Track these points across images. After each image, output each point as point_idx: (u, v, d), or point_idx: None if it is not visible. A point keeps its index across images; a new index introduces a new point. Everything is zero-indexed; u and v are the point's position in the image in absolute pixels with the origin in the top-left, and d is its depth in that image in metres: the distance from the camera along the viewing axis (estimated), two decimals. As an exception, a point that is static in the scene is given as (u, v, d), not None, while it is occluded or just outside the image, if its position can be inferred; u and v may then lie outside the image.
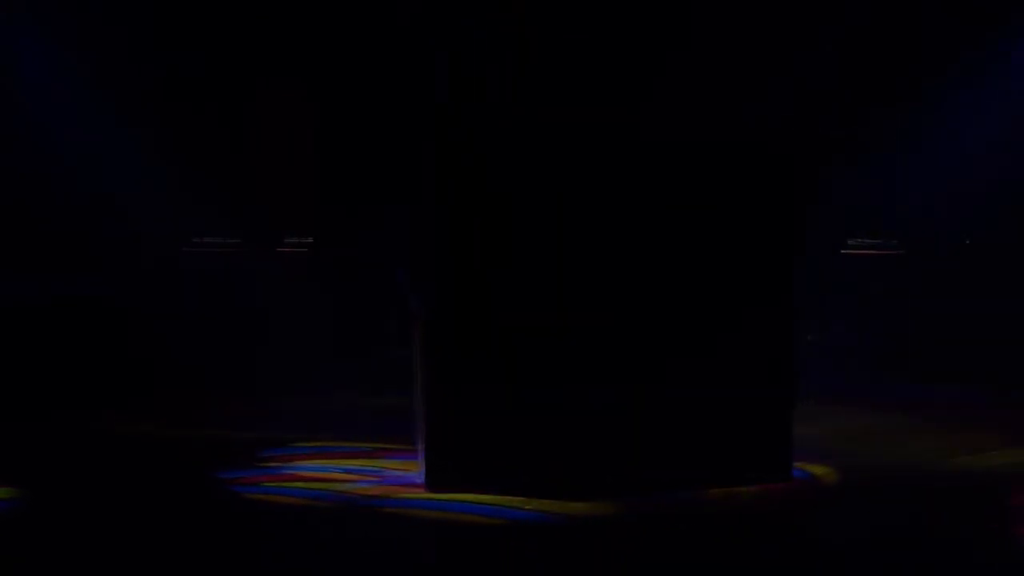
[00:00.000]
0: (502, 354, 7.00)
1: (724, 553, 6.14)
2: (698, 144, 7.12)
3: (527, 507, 6.76)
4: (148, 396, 9.70)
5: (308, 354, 10.56)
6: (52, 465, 7.80)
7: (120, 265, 11.15)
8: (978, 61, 10.91)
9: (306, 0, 11.03)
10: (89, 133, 11.04)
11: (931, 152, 11.05)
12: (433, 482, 7.05)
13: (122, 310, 10.63)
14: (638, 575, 5.93)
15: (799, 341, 7.56)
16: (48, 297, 10.58)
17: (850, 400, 9.80)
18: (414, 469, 7.33)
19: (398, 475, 7.41)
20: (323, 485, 7.31)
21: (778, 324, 7.22)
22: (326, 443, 8.28)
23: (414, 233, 7.28)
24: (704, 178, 7.09)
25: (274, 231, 11.77)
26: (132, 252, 11.29)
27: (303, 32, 11.12)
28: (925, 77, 11.00)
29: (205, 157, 11.41)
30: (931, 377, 10.32)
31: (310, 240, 11.69)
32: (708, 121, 7.20)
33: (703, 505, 6.89)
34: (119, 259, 11.17)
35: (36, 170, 10.99)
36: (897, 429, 8.81)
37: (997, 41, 10.92)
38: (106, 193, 11.04)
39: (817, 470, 7.51)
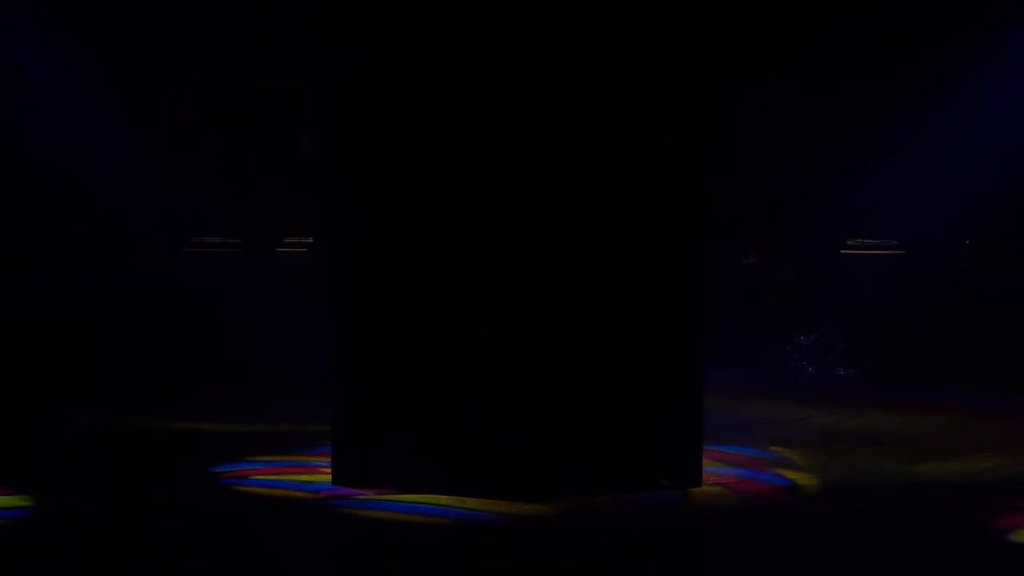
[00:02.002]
0: (408, 345, 6.95)
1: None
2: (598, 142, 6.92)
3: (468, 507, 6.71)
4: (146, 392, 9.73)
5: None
6: (53, 463, 7.81)
7: (120, 265, 11.16)
8: (977, 61, 10.92)
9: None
10: (89, 132, 11.05)
11: (931, 153, 11.05)
12: (340, 479, 7.03)
13: (122, 309, 10.65)
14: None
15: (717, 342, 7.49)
16: (49, 297, 10.59)
17: (847, 401, 9.82)
18: None
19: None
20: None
21: (685, 326, 7.06)
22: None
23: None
24: (606, 175, 6.92)
25: (274, 231, 11.78)
26: (132, 252, 11.30)
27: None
28: (926, 79, 11.02)
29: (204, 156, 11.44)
30: (930, 378, 10.32)
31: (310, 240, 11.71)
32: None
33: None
34: (119, 259, 11.18)
35: (36, 169, 11.00)
36: (893, 431, 8.80)
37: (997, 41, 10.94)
38: (106, 192, 11.04)
39: (798, 477, 7.44)
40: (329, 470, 7.13)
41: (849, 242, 11.41)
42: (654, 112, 7.00)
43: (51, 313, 10.55)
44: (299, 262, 11.69)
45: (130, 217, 11.13)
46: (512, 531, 6.47)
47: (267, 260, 11.62)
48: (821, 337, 10.87)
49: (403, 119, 6.95)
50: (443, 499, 6.77)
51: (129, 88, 11.19)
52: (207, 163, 11.52)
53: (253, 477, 7.45)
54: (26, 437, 8.54)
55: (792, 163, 11.37)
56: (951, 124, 10.97)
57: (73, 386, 9.67)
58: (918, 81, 11.04)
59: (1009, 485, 7.32)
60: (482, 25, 6.83)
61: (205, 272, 11.45)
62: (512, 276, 6.82)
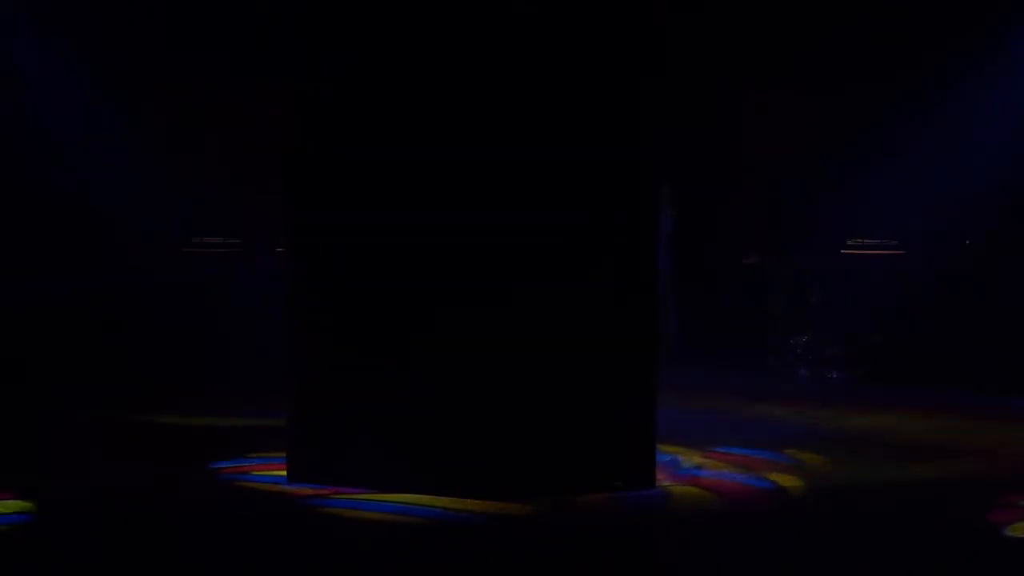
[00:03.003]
0: (355, 344, 7.00)
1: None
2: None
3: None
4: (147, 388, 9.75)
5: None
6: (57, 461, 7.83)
7: (120, 265, 11.16)
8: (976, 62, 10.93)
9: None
10: (89, 132, 11.05)
11: (931, 152, 11.06)
12: (295, 474, 7.07)
13: (123, 309, 10.66)
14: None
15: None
16: (49, 296, 10.60)
17: (844, 403, 9.84)
18: None
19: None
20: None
21: (638, 330, 6.98)
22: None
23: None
24: (559, 181, 6.88)
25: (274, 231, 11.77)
26: (132, 252, 11.29)
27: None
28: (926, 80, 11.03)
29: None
30: (928, 379, 10.32)
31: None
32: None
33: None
34: (119, 259, 11.18)
35: (36, 169, 11.00)
36: (885, 433, 8.77)
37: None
38: (106, 192, 11.04)
39: (784, 480, 7.39)
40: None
41: (849, 242, 11.40)
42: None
43: (51, 313, 10.55)
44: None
45: (130, 217, 11.13)
46: (473, 530, 6.47)
47: (267, 260, 11.61)
48: (816, 340, 10.86)
49: (346, 119, 7.02)
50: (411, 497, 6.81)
51: (129, 88, 11.19)
52: (207, 163, 11.52)
53: (254, 473, 7.47)
54: (26, 435, 8.55)
55: (792, 163, 11.38)
56: (951, 124, 10.98)
57: (73, 385, 9.68)
58: (918, 81, 11.05)
59: (1007, 483, 7.32)
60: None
61: (205, 272, 11.45)
62: (462, 277, 6.84)
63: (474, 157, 6.80)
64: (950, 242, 11.24)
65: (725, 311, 11.30)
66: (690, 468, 7.53)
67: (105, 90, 11.04)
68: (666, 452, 7.57)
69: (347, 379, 7.03)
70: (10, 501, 6.75)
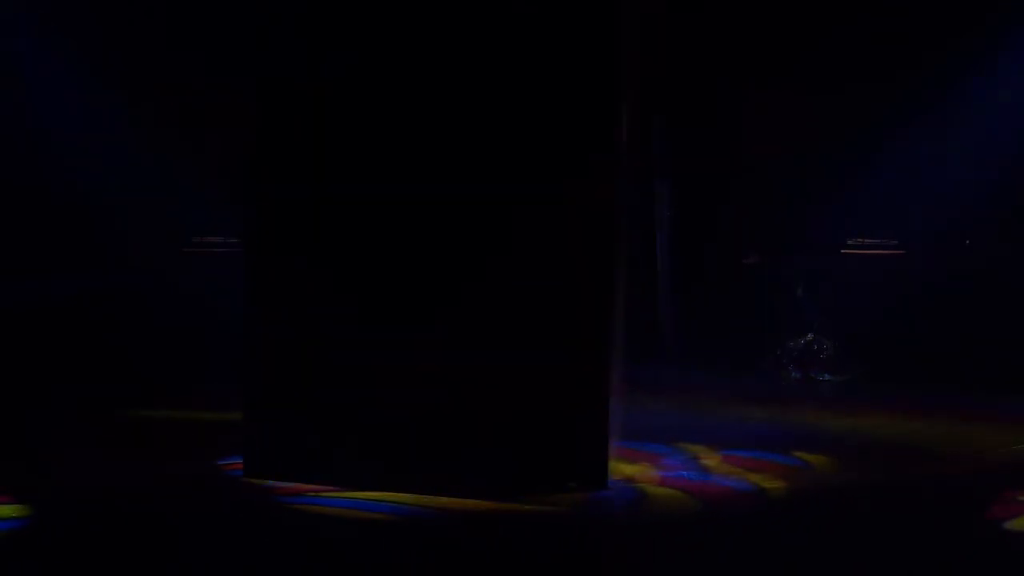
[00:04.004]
0: (312, 344, 7.04)
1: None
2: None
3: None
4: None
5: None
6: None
7: (120, 265, 11.16)
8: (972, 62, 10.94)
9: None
10: (89, 132, 11.05)
11: (931, 153, 11.06)
12: (251, 469, 7.10)
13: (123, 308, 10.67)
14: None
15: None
16: (49, 296, 10.60)
17: (831, 404, 9.84)
18: None
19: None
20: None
21: (594, 327, 6.95)
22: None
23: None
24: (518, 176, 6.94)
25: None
26: (133, 252, 11.29)
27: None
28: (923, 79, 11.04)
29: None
30: (925, 379, 10.32)
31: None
32: None
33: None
34: (119, 259, 11.18)
35: (35, 169, 11.01)
36: (875, 434, 8.74)
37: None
38: (106, 192, 11.05)
39: (767, 482, 7.35)
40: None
41: (849, 242, 11.40)
42: None
43: (52, 313, 10.55)
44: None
45: (130, 217, 11.14)
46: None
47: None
48: (811, 343, 10.85)
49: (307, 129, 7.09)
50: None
51: (129, 88, 11.19)
52: (207, 163, 11.50)
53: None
54: (26, 435, 8.55)
55: (792, 163, 11.37)
56: (951, 124, 10.98)
57: (72, 385, 9.68)
58: (918, 81, 11.05)
59: (1006, 480, 7.32)
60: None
61: (205, 272, 11.44)
62: (416, 273, 6.93)
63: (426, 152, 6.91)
64: (950, 242, 11.24)
65: (723, 311, 11.29)
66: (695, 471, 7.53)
67: (105, 90, 11.04)
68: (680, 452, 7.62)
69: (303, 374, 7.07)
70: (7, 505, 6.74)
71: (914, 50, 11.00)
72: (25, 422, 8.88)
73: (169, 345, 10.38)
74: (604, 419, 6.95)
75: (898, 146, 11.07)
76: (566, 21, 6.87)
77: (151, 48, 11.17)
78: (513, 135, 6.92)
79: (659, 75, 11.28)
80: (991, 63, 10.93)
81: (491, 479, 6.87)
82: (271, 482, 7.03)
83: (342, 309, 7.04)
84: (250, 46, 7.28)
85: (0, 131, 10.85)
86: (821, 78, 11.09)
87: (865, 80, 11.09)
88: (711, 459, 7.80)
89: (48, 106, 11.00)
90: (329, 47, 7.10)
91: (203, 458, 7.68)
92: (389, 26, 7.01)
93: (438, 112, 6.96)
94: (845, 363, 10.74)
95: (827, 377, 10.69)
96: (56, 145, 10.98)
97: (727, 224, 11.63)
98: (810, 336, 10.82)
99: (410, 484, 6.82)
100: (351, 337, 7.03)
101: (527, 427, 6.92)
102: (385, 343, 6.98)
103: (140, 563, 5.91)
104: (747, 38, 11.19)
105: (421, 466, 6.92)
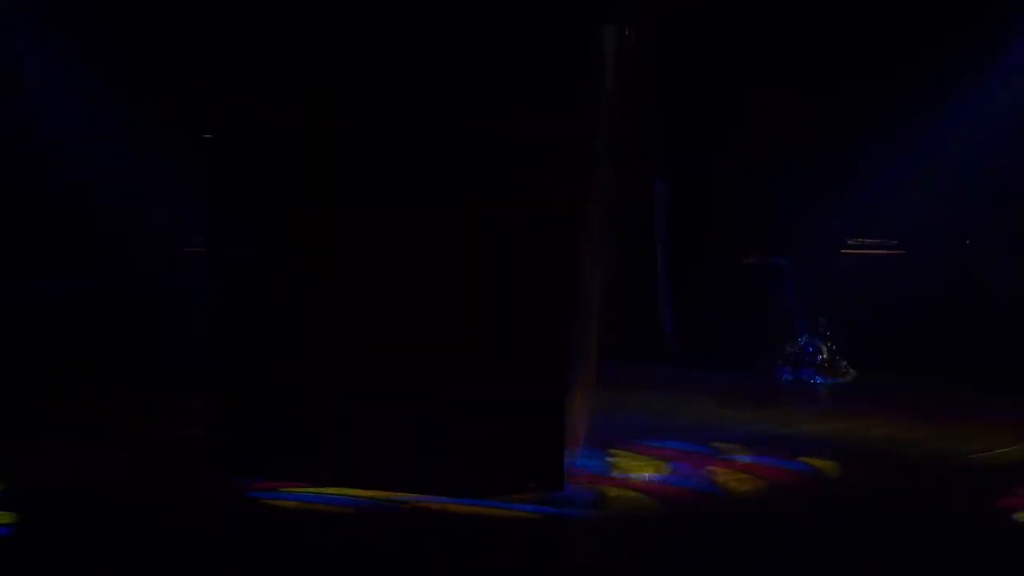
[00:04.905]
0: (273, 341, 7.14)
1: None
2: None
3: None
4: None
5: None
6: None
7: (120, 265, 11.17)
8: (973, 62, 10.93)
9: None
10: (89, 132, 11.05)
11: (932, 153, 11.06)
12: (222, 465, 7.18)
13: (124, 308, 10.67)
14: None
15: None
16: (49, 296, 10.60)
17: (820, 406, 9.83)
18: None
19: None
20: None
21: (547, 329, 6.96)
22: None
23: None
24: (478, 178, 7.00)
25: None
26: (133, 252, 11.30)
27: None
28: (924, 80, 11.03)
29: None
30: (923, 379, 10.31)
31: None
32: None
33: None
34: (119, 259, 11.19)
35: (35, 169, 11.01)
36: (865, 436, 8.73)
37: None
38: (106, 192, 11.05)
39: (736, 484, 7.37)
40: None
41: (849, 242, 11.40)
42: None
43: (51, 313, 10.55)
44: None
45: (130, 217, 11.14)
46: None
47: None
48: (805, 344, 10.83)
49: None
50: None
51: (129, 88, 11.19)
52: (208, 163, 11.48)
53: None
54: (26, 435, 8.56)
55: (792, 163, 11.37)
56: (951, 124, 10.98)
57: (73, 384, 9.69)
58: (918, 81, 11.05)
59: (1007, 478, 7.33)
60: None
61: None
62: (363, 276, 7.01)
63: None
64: (951, 242, 11.24)
65: (722, 311, 11.29)
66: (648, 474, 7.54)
67: (105, 90, 11.04)
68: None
69: (266, 374, 7.16)
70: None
71: (914, 50, 11.00)
72: (26, 423, 8.90)
73: (169, 345, 10.38)
74: (561, 422, 6.98)
75: (898, 146, 11.07)
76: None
77: (151, 48, 11.16)
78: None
79: (659, 75, 11.28)
80: (991, 63, 10.92)
81: (449, 480, 6.94)
82: (239, 477, 7.12)
83: (304, 312, 7.12)
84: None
85: (0, 131, 10.85)
86: (821, 78, 11.08)
87: (865, 80, 11.08)
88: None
89: (48, 106, 11.00)
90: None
91: (185, 454, 7.72)
92: None
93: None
94: (838, 366, 10.72)
95: (818, 380, 10.67)
96: (56, 145, 10.98)
97: (727, 224, 11.62)
98: (803, 339, 10.80)
99: (369, 481, 6.93)
100: (310, 338, 7.10)
101: (486, 428, 6.97)
102: (344, 345, 7.06)
103: (110, 555, 5.95)
104: (747, 38, 11.19)
105: (378, 464, 7.00)
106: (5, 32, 10.87)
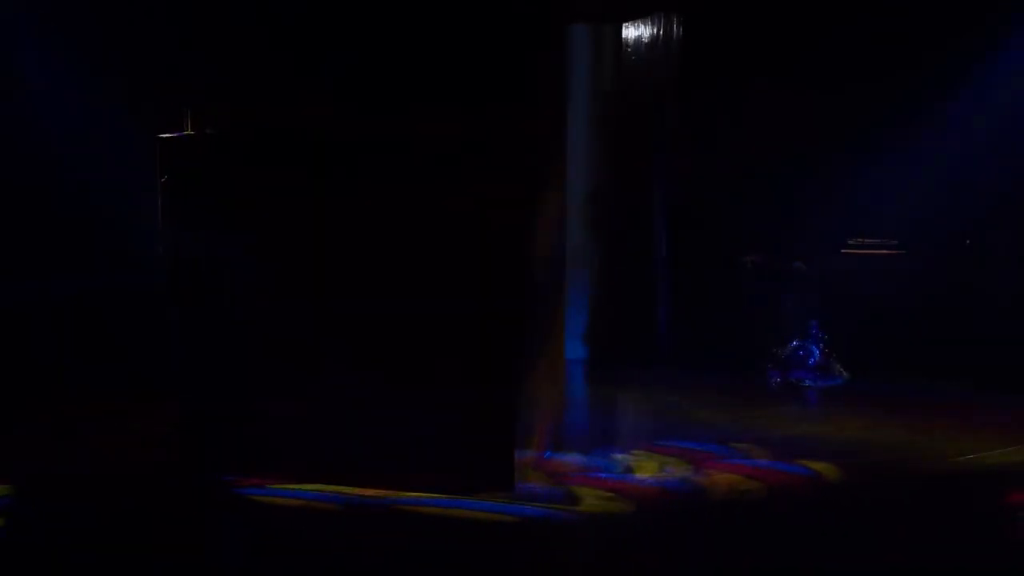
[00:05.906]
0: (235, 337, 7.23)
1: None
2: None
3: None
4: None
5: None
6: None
7: (120, 265, 11.16)
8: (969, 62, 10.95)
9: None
10: (89, 132, 11.05)
11: (932, 152, 11.06)
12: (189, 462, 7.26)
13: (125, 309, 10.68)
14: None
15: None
16: (49, 296, 10.61)
17: (810, 407, 9.82)
18: None
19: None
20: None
21: (502, 325, 6.97)
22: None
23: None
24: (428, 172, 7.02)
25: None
26: (133, 252, 11.29)
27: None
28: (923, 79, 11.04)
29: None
30: (921, 380, 10.30)
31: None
32: None
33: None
34: (119, 259, 11.18)
35: (36, 170, 11.01)
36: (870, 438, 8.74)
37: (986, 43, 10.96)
38: (105, 191, 11.05)
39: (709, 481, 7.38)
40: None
41: (849, 242, 11.40)
42: None
43: (51, 313, 10.56)
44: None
45: (131, 217, 11.12)
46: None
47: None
48: (796, 347, 10.83)
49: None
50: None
51: (129, 88, 11.18)
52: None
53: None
54: (24, 431, 8.57)
55: (792, 163, 11.37)
56: (951, 124, 10.98)
57: (71, 384, 9.69)
58: (918, 81, 11.05)
59: (1008, 476, 7.33)
60: None
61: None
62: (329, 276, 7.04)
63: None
64: (951, 242, 11.24)
65: (718, 312, 11.29)
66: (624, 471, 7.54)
67: (105, 90, 11.04)
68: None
69: (223, 371, 7.26)
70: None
71: (914, 50, 11.01)
72: (24, 423, 8.91)
73: (169, 345, 10.37)
74: (511, 422, 6.98)
75: (898, 146, 11.07)
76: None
77: (151, 48, 11.16)
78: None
79: (658, 75, 11.29)
80: (991, 63, 10.93)
81: (403, 476, 7.00)
82: (212, 474, 7.21)
83: (259, 309, 7.20)
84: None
85: (0, 131, 10.85)
86: (821, 78, 11.09)
87: (865, 80, 11.09)
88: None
89: (48, 106, 11.00)
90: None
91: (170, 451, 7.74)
92: None
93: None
94: (831, 368, 10.71)
95: (808, 383, 10.65)
96: (56, 145, 10.98)
97: (726, 224, 11.62)
98: (795, 342, 10.80)
99: (330, 476, 7.03)
100: (270, 336, 7.17)
101: (436, 425, 7.01)
102: (298, 343, 7.13)
103: (94, 548, 5.96)
104: (747, 38, 11.19)
105: (336, 462, 7.08)
106: (5, 32, 10.87)
